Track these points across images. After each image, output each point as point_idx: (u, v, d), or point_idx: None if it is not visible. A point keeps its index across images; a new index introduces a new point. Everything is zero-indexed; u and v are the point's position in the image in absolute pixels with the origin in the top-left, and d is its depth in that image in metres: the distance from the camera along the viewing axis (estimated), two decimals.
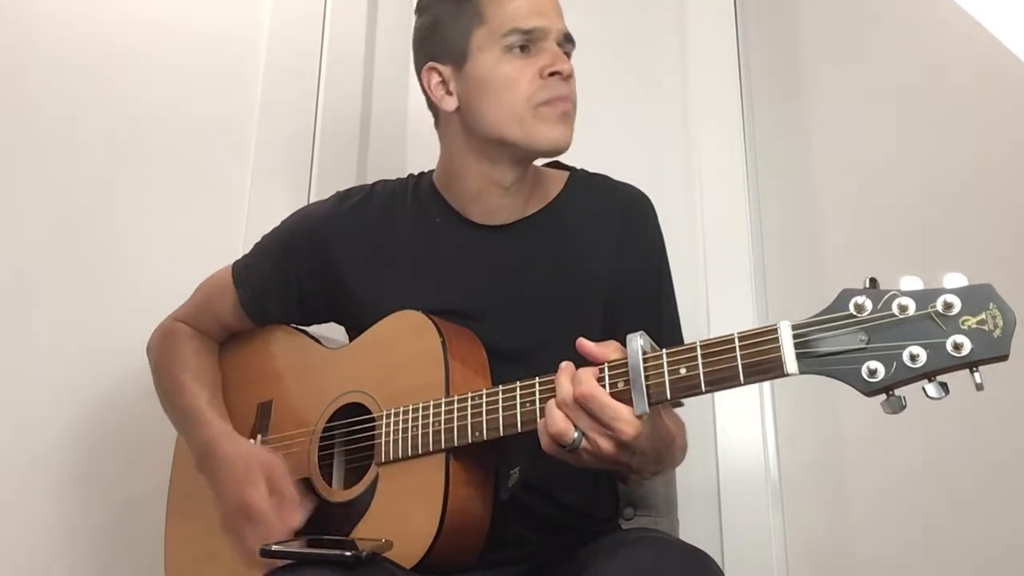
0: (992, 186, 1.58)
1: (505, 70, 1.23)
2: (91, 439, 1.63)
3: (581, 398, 0.97)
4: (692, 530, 1.52)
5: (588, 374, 0.99)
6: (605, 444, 0.97)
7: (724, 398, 1.77)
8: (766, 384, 1.79)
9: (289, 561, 1.01)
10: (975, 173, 1.61)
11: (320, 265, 1.34)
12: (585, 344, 1.02)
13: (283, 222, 1.42)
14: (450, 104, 1.28)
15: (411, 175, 1.42)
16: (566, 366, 1.01)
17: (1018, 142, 1.55)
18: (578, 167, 1.42)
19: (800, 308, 0.92)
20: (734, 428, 1.77)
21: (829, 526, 1.71)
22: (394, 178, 1.43)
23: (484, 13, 1.25)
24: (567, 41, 1.28)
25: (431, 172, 1.39)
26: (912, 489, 1.61)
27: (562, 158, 1.43)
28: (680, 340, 1.29)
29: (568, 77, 1.24)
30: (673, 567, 0.99)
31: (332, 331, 1.43)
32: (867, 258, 1.74)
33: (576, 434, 0.98)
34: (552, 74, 1.23)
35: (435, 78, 1.29)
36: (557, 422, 0.98)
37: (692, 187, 1.93)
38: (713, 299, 1.83)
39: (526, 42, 1.23)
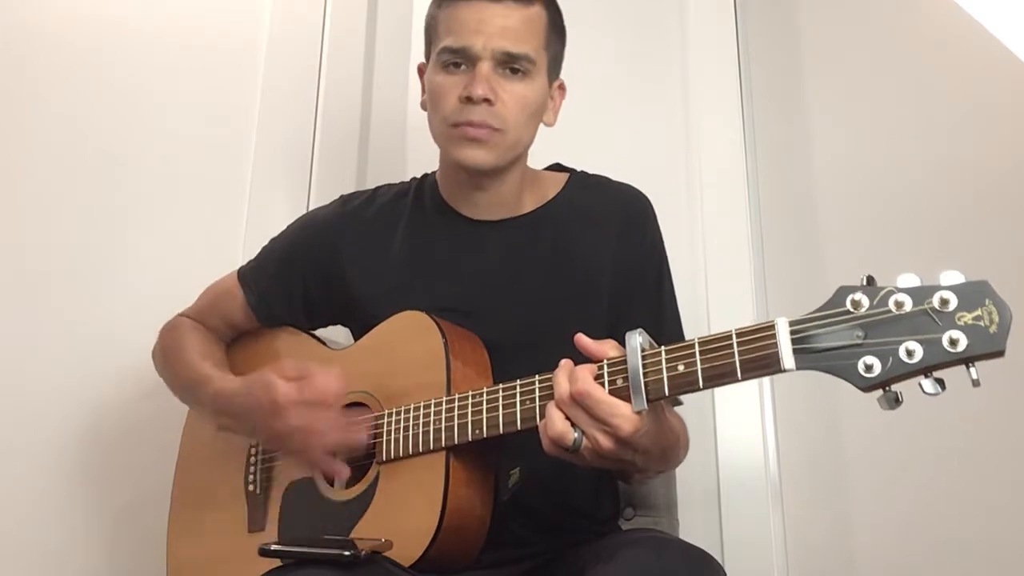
0: (992, 186, 1.58)
1: (438, 84, 1.26)
2: (93, 440, 1.63)
3: (578, 395, 0.97)
4: (692, 530, 1.52)
5: (585, 371, 0.99)
6: (604, 441, 0.98)
7: (724, 398, 1.77)
8: (766, 384, 1.79)
9: (289, 560, 1.01)
10: (975, 173, 1.61)
11: (324, 267, 1.36)
12: (583, 340, 1.03)
13: (288, 227, 1.44)
14: (423, 102, 1.33)
15: (414, 177, 1.44)
16: (564, 363, 1.01)
17: (1018, 142, 1.55)
18: (578, 166, 1.42)
19: (800, 307, 0.92)
20: (734, 428, 1.77)
21: (829, 526, 1.71)
22: (397, 182, 1.45)
23: (438, 25, 1.28)
24: (509, 60, 1.23)
25: (435, 172, 1.41)
26: (912, 489, 1.61)
27: (561, 156, 1.44)
28: (681, 339, 1.28)
29: (480, 102, 1.21)
30: (676, 568, 0.99)
31: (337, 334, 1.43)
32: (867, 258, 1.74)
33: (576, 435, 0.98)
34: (467, 98, 1.23)
35: (422, 77, 1.35)
36: (556, 423, 0.99)
37: (692, 187, 1.93)
38: (713, 298, 1.83)
39: (456, 60, 1.24)
